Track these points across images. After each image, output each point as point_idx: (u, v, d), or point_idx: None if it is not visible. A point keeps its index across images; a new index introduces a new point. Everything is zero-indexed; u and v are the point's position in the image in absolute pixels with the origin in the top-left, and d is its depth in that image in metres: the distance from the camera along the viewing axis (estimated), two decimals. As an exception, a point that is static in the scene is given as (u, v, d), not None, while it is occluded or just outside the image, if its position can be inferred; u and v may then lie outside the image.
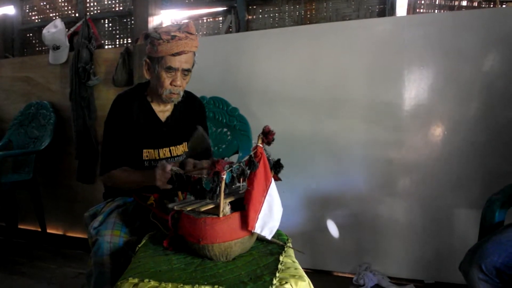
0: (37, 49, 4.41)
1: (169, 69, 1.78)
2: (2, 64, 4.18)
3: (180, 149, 1.97)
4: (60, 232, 3.89)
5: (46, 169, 3.85)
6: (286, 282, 1.19)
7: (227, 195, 1.38)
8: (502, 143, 2.55)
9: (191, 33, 1.77)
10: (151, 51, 1.79)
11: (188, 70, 1.83)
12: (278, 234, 1.55)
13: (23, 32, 4.43)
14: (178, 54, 1.76)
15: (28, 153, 3.58)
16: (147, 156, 1.89)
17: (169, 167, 1.58)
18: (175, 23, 2.55)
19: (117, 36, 3.99)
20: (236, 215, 1.33)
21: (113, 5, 3.96)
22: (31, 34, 4.42)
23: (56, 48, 3.67)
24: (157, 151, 1.90)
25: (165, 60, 1.77)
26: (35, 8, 4.34)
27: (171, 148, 1.93)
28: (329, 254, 2.95)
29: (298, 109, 2.94)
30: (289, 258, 1.38)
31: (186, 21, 3.27)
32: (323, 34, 2.92)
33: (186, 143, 1.99)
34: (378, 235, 2.82)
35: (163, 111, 1.95)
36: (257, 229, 1.34)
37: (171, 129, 1.95)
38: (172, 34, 1.73)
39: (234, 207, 1.37)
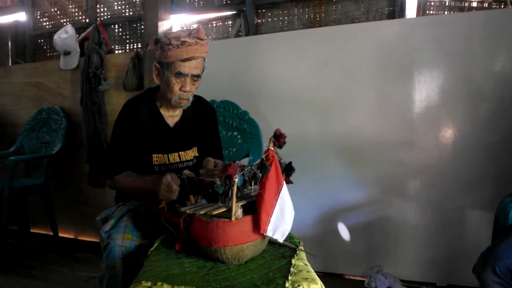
0: (48, 54, 4.45)
1: (179, 74, 1.78)
2: (14, 69, 4.22)
3: (190, 154, 1.97)
4: (71, 236, 3.92)
5: (57, 174, 3.89)
6: (299, 285, 1.19)
7: (239, 199, 1.38)
8: (514, 145, 2.54)
9: (201, 39, 1.77)
10: (161, 56, 1.79)
11: (198, 76, 1.83)
12: (289, 237, 1.54)
13: (34, 38, 4.47)
14: (188, 59, 1.75)
15: (39, 157, 3.62)
16: (156, 161, 1.90)
17: (173, 187, 1.57)
18: (185, 29, 2.55)
19: (127, 41, 4.02)
20: (248, 219, 1.33)
21: (123, 11, 3.99)
22: (42, 40, 4.46)
23: (67, 53, 3.70)
24: (166, 156, 1.91)
25: (175, 65, 1.76)
26: (46, 14, 4.38)
27: (180, 153, 1.94)
28: (340, 257, 2.94)
29: (308, 112, 2.94)
30: (301, 261, 1.38)
31: (196, 26, 3.29)
32: (332, 37, 2.92)
33: (195, 148, 2.00)
34: (389, 237, 2.81)
35: (172, 116, 1.95)
36: (269, 232, 1.34)
37: (180, 134, 1.95)
38: (182, 39, 1.73)
39: (246, 210, 1.38)
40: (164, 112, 1.94)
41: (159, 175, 1.66)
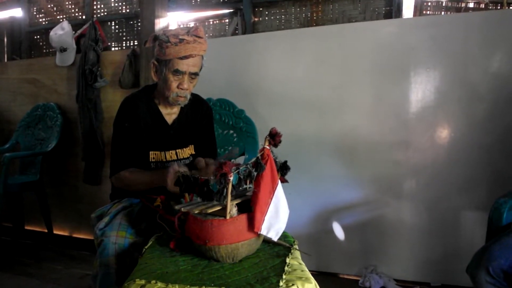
0: (44, 51, 4.42)
1: (177, 72, 1.78)
2: (10, 66, 4.21)
3: (187, 152, 1.97)
4: (66, 233, 3.91)
5: (52, 171, 3.87)
6: (293, 284, 1.18)
7: (234, 197, 1.37)
8: (509, 145, 2.54)
9: (199, 37, 1.77)
10: (159, 54, 1.79)
11: (196, 74, 1.83)
12: (284, 236, 1.54)
13: (30, 34, 4.45)
14: (186, 57, 1.75)
15: (35, 154, 3.60)
16: (153, 158, 1.89)
17: (181, 169, 1.58)
18: (184, 26, 2.55)
19: (124, 38, 4.00)
20: (243, 217, 1.33)
21: (120, 7, 3.98)
22: (38, 36, 4.44)
23: (63, 50, 3.69)
24: (163, 154, 1.91)
25: (173, 63, 1.76)
26: (43, 10, 4.36)
27: (177, 150, 1.94)
28: (335, 256, 2.94)
29: (304, 111, 2.94)
30: (296, 260, 1.38)
31: (195, 24, 3.28)
32: (329, 36, 2.92)
33: (192, 145, 2.00)
34: (384, 237, 2.81)
35: (170, 113, 1.96)
36: (264, 231, 1.33)
37: (177, 132, 1.95)
38: (181, 37, 1.73)
39: (241, 209, 1.37)
40: (163, 110, 1.94)
41: (166, 168, 1.65)
